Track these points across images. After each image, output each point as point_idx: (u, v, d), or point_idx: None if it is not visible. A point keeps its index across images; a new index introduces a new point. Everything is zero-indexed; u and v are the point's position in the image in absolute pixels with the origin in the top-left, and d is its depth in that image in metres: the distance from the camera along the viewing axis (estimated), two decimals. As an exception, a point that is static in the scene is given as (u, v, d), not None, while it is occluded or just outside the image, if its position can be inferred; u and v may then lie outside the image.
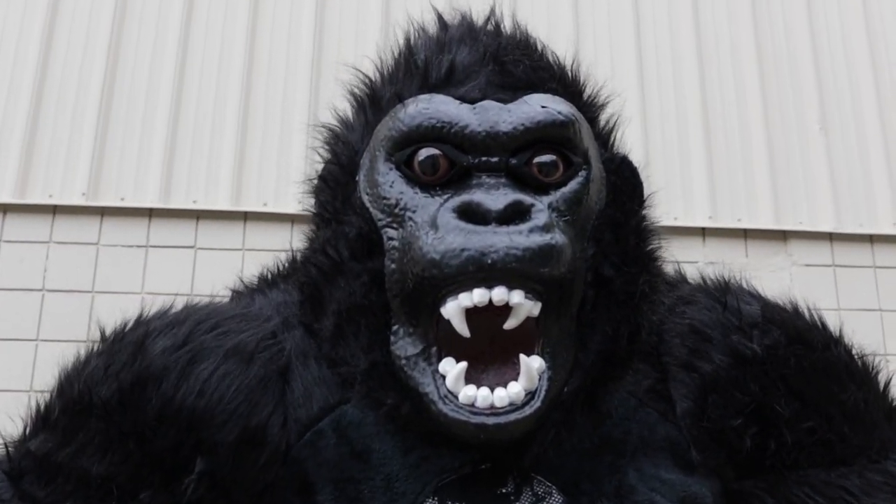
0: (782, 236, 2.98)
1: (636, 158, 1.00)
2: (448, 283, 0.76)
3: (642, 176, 0.98)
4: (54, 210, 2.74)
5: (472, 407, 0.76)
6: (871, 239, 3.00)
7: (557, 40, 1.07)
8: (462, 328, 0.78)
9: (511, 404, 0.76)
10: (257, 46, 2.98)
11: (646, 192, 0.97)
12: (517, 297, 0.76)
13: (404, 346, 0.81)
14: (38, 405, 0.87)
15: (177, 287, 2.58)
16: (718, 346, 0.90)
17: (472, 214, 0.77)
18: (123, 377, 0.82)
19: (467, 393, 0.76)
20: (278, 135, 2.89)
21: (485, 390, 0.76)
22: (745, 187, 3.01)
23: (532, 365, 0.78)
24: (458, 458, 0.83)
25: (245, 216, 2.78)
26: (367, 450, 0.84)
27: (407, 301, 0.80)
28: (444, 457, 0.83)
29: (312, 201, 0.98)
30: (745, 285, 0.99)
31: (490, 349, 0.81)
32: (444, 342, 0.80)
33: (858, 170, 3.08)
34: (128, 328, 0.88)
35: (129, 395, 0.81)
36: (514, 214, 0.77)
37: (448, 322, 0.78)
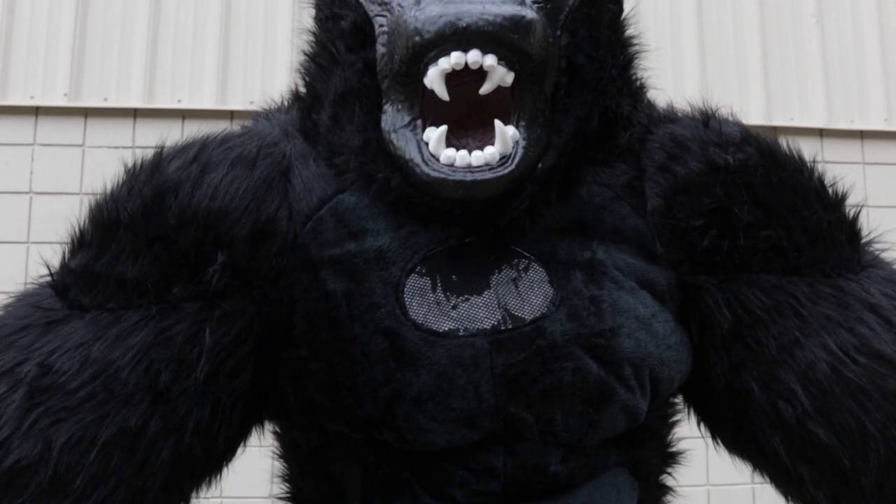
0: (773, 133, 2.97)
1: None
2: (429, 50, 0.85)
3: None
4: (36, 111, 2.70)
5: (451, 167, 0.86)
6: (862, 135, 2.99)
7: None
8: (442, 92, 0.86)
9: (487, 164, 0.86)
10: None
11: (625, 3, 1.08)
12: (490, 59, 0.85)
13: (393, 120, 0.90)
14: (72, 233, 0.96)
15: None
16: (695, 155, 0.99)
17: None
18: (145, 192, 0.92)
19: (447, 154, 0.86)
20: (262, 30, 2.82)
21: (463, 152, 0.86)
22: (737, 83, 2.98)
23: (507, 132, 0.87)
24: (445, 232, 0.94)
25: (231, 115, 2.74)
26: (363, 229, 0.95)
27: (395, 78, 0.89)
28: (432, 231, 0.94)
29: (314, 11, 1.07)
30: (729, 116, 1.07)
31: (470, 120, 0.92)
32: (429, 114, 0.90)
33: (852, 65, 3.05)
34: (145, 158, 0.98)
35: (150, 207, 0.92)
36: None
37: (432, 93, 0.87)
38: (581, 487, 0.99)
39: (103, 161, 2.66)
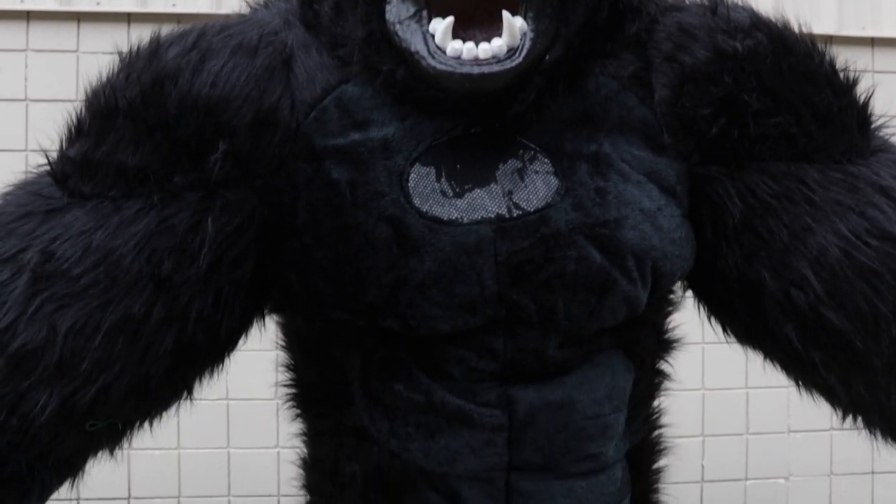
0: (782, 40, 2.91)
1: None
2: None
3: None
4: (28, 16, 2.63)
5: (458, 59, 0.86)
6: (873, 42, 2.92)
7: None
8: None
9: (494, 57, 0.85)
10: None
11: None
12: None
13: (398, 11, 0.90)
14: (69, 121, 0.96)
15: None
16: (702, 43, 0.97)
17: None
18: (143, 79, 0.91)
19: (454, 46, 0.86)
20: (258, -69, 2.72)
21: (470, 44, 0.86)
22: (747, -13, 2.90)
23: (514, 23, 0.86)
24: (450, 122, 0.94)
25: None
26: (367, 119, 0.95)
27: None
28: (437, 121, 0.94)
29: None
30: (739, 2, 1.04)
31: (476, 11, 0.90)
32: (434, 5, 0.89)
33: (867, -32, 2.96)
34: (141, 45, 0.97)
35: (149, 94, 0.91)
36: None
37: None
38: (576, 370, 1.01)
39: (99, 67, 2.61)
